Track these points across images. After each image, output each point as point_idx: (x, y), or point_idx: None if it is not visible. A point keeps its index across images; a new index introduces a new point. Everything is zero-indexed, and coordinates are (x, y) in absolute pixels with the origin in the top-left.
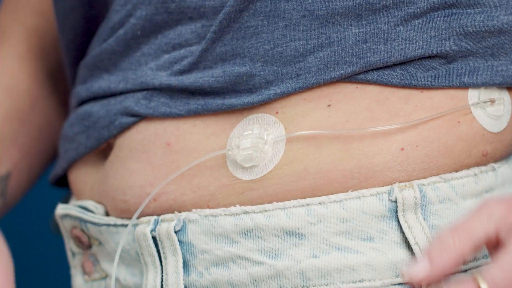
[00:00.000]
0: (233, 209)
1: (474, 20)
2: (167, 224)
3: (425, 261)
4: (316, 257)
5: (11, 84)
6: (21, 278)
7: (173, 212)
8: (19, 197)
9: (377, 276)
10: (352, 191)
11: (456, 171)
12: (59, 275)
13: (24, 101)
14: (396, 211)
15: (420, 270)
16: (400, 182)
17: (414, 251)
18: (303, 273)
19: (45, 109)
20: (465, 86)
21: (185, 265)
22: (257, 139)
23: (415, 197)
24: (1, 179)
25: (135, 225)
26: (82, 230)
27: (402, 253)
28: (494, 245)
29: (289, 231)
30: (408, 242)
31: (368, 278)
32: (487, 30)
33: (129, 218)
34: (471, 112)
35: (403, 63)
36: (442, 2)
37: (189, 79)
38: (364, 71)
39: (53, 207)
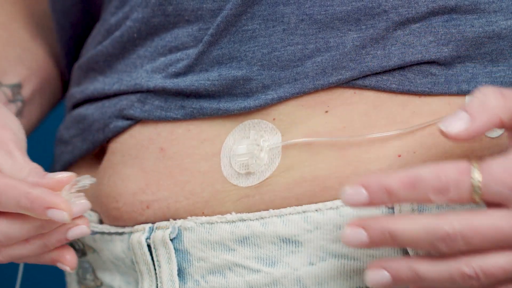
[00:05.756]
0: (229, 216)
1: (473, 26)
2: (162, 232)
3: (466, 115)
4: (313, 264)
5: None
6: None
7: (167, 220)
8: (35, 119)
9: None
10: None
11: None
12: (55, 283)
13: (24, 31)
14: None
15: (461, 122)
16: None
17: None
18: (300, 281)
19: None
20: (463, 93)
21: (181, 273)
22: (253, 145)
23: (412, 204)
24: (12, 86)
25: (130, 234)
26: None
27: None
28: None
29: (286, 239)
30: (405, 248)
31: (365, 286)
32: (485, 35)
33: (123, 226)
34: None
35: (401, 68)
36: (442, 7)
37: (184, 82)
38: (363, 76)
39: None
